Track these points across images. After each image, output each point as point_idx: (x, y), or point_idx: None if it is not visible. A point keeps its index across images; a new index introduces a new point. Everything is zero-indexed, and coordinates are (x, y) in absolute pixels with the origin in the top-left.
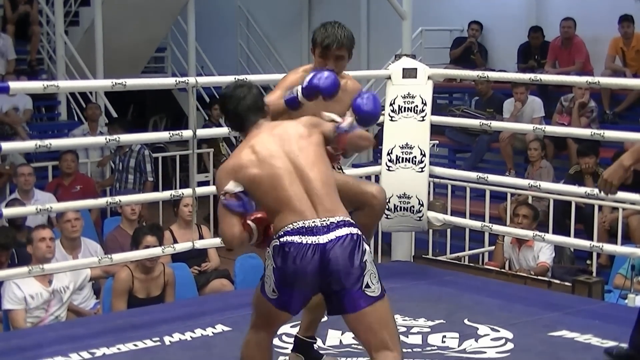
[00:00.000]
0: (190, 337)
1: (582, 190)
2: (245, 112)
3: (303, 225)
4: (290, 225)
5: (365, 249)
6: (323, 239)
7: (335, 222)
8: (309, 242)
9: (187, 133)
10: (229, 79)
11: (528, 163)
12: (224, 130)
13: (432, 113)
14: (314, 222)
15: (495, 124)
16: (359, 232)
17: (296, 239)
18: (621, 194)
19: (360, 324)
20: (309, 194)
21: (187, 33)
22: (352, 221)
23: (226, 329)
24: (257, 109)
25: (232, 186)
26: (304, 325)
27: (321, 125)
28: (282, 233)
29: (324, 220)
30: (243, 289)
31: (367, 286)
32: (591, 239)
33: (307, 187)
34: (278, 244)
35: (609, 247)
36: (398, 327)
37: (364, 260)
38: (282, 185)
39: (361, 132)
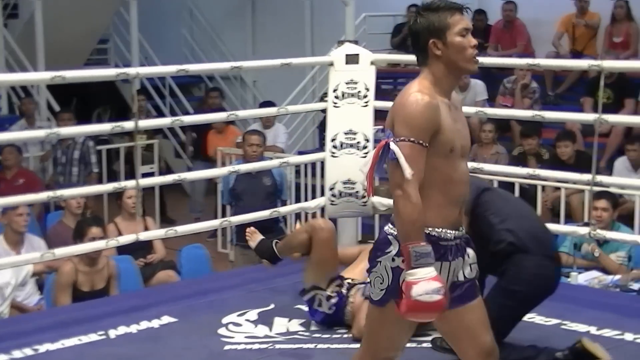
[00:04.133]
0: (136, 329)
1: (524, 171)
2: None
3: None
4: None
5: (387, 251)
6: None
7: None
8: None
9: (129, 124)
10: (172, 69)
11: (475, 144)
12: (166, 121)
13: (377, 98)
14: None
15: None
16: (393, 232)
17: None
18: (563, 174)
19: None
20: None
21: (130, 24)
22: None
23: (172, 320)
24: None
25: None
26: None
27: None
28: None
29: None
30: (189, 279)
31: (372, 285)
32: None
33: None
34: None
35: (551, 227)
36: None
37: (378, 260)
38: None
39: None
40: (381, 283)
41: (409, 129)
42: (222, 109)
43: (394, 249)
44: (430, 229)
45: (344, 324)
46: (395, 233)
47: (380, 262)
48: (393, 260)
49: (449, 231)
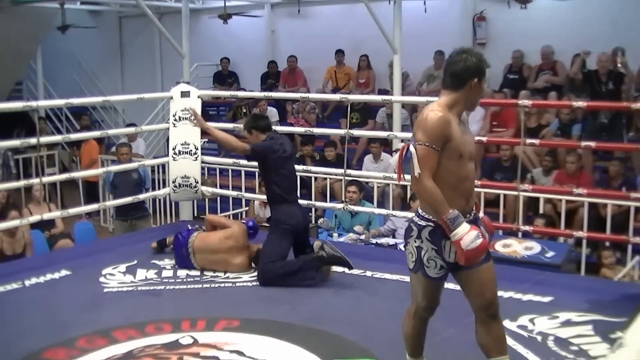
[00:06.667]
0: (43, 280)
1: (302, 167)
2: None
3: None
4: None
5: (411, 235)
6: None
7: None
8: None
9: (33, 140)
10: (60, 102)
11: None
12: (58, 138)
13: (206, 120)
14: None
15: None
16: (416, 220)
17: None
18: (328, 169)
19: None
20: None
21: (37, 72)
22: (420, 212)
23: (68, 273)
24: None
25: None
26: None
27: None
28: None
29: None
30: (80, 245)
31: (407, 259)
32: (310, 199)
33: None
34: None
35: (320, 204)
36: None
37: (407, 241)
38: None
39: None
40: (411, 257)
41: (425, 136)
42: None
43: (415, 234)
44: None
45: (187, 245)
46: (416, 220)
47: (409, 242)
48: (415, 241)
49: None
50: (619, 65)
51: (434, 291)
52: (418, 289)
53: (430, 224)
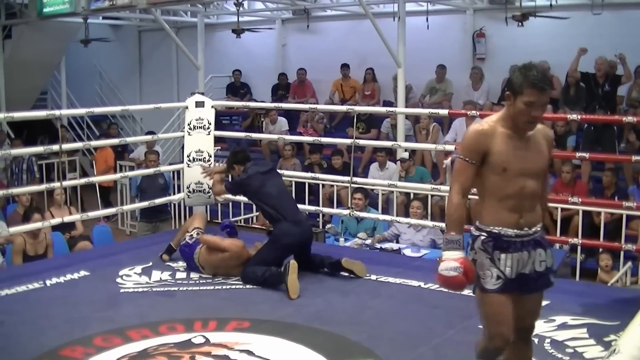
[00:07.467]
0: (63, 280)
1: (311, 175)
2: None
3: None
4: None
5: (469, 247)
6: None
7: None
8: None
9: (55, 147)
10: (82, 111)
11: (280, 158)
12: (79, 145)
13: (217, 129)
14: None
15: (255, 135)
16: (471, 231)
17: None
18: (335, 177)
19: None
20: None
21: (61, 82)
22: (476, 223)
23: (87, 273)
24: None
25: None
26: None
27: None
28: None
29: None
30: (98, 247)
31: None
32: (318, 205)
33: None
34: None
35: (327, 210)
36: None
37: (468, 255)
38: None
39: None
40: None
41: (461, 149)
42: (117, 136)
43: (470, 245)
44: (491, 227)
45: (194, 259)
46: (472, 231)
47: (468, 257)
48: (469, 253)
49: (508, 230)
50: (618, 60)
51: (499, 308)
52: (483, 315)
53: (483, 233)
